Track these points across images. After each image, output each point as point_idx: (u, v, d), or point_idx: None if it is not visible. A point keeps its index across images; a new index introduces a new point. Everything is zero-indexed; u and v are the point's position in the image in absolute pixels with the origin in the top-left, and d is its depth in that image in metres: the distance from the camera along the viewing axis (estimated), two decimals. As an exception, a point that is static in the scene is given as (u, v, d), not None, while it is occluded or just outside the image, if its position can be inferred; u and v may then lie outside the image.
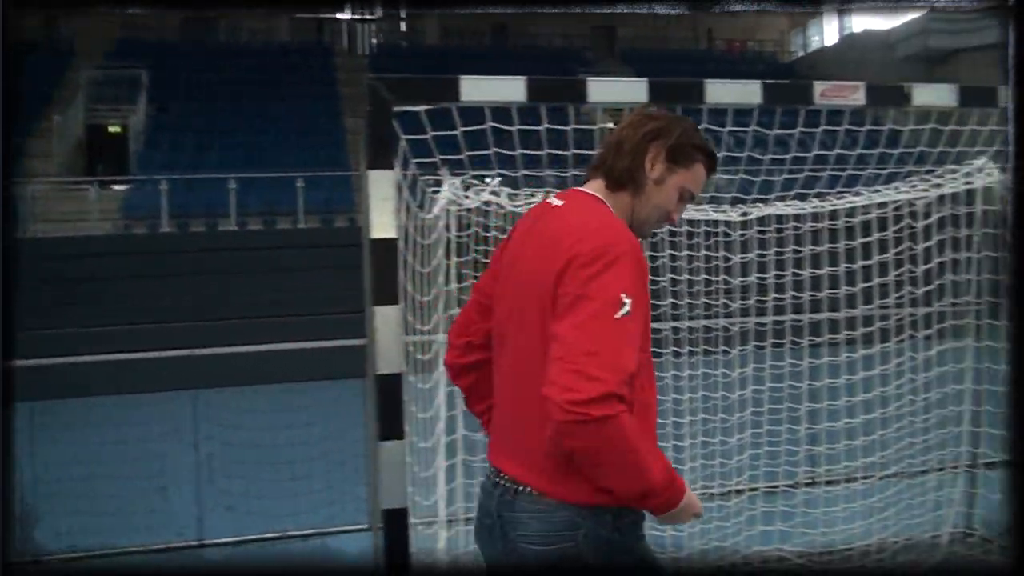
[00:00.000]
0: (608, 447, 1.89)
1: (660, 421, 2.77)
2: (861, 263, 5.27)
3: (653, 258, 4.99)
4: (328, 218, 16.75)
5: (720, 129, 3.55)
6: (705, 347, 5.35)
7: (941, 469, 5.25)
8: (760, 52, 31.73)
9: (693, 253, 5.17)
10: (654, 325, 2.97)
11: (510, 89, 2.96)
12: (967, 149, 4.62)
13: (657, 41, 29.88)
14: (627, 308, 1.93)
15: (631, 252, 2.01)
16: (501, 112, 3.21)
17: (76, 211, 16.82)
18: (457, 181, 4.16)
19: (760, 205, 4.99)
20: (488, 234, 4.64)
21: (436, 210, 4.12)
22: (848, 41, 28.90)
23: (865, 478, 5.16)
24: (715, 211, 5.10)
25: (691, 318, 5.30)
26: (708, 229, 4.96)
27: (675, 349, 5.28)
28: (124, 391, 11.11)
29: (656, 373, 2.27)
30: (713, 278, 5.00)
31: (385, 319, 2.79)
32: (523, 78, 2.94)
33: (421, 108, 2.92)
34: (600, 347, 1.89)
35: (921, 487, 5.16)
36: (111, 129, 21.74)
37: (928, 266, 5.28)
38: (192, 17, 26.30)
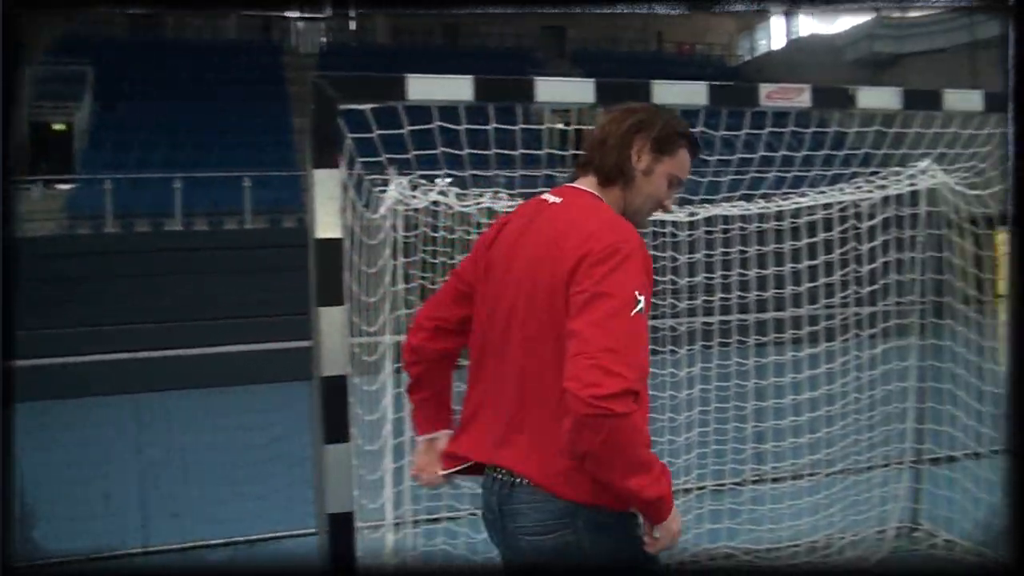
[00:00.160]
0: (624, 441, 1.92)
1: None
2: (807, 263, 5.34)
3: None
4: (276, 218, 16.55)
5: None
6: (653, 347, 5.35)
7: (886, 465, 5.32)
8: (708, 55, 32.07)
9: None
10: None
11: (457, 88, 2.93)
12: (911, 151, 4.69)
13: (607, 42, 30.08)
14: (640, 306, 1.98)
15: (640, 250, 2.06)
16: (449, 112, 3.18)
17: (19, 211, 16.41)
18: (404, 181, 4.12)
19: (707, 206, 5.02)
20: (436, 234, 4.61)
21: (383, 210, 4.07)
22: (795, 45, 29.36)
23: (811, 475, 5.21)
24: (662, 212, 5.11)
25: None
26: (656, 230, 4.97)
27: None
28: (67, 396, 10.95)
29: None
30: (660, 278, 5.01)
31: (330, 320, 2.75)
32: (470, 77, 2.91)
33: (367, 107, 2.88)
34: (618, 344, 1.92)
35: (867, 483, 5.22)
36: (55, 127, 21.40)
37: (872, 266, 5.37)
38: (139, 14, 25.91)
